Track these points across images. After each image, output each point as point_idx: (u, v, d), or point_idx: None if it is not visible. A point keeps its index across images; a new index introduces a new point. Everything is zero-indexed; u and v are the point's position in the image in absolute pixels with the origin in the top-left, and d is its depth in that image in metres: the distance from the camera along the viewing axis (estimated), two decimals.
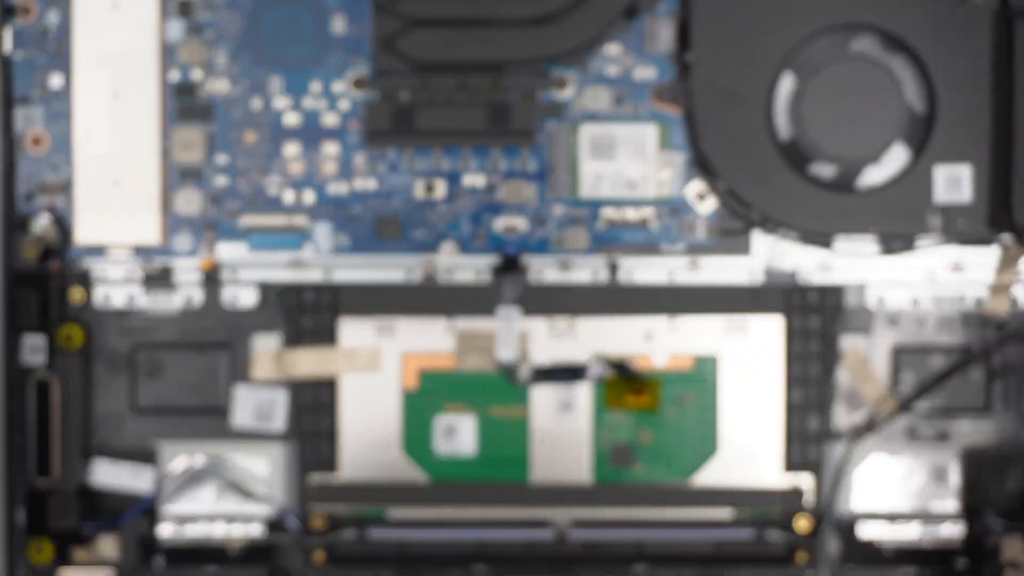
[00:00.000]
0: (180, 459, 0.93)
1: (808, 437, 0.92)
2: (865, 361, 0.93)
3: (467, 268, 0.92)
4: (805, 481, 0.92)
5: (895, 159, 0.91)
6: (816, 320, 0.92)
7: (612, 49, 0.91)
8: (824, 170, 0.91)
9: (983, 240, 0.90)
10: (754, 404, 0.93)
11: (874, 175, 0.91)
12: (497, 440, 0.93)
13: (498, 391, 0.93)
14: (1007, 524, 0.92)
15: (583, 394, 0.93)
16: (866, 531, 0.92)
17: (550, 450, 0.93)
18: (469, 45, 0.89)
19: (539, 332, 0.93)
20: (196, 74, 0.91)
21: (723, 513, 0.93)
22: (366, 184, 0.92)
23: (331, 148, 0.91)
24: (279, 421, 0.93)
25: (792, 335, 0.92)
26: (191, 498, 0.93)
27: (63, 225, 0.91)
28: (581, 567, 0.93)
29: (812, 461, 0.92)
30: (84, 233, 0.91)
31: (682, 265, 0.92)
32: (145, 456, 0.93)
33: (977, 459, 0.93)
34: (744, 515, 0.93)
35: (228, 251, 0.92)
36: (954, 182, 0.89)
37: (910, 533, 0.92)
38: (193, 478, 0.93)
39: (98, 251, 0.91)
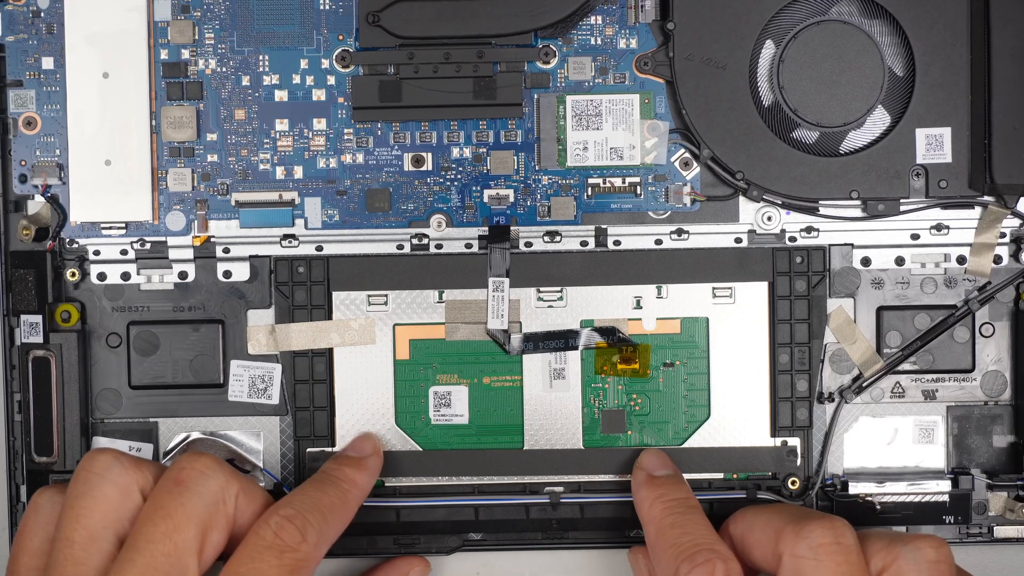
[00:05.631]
0: (178, 435, 0.94)
1: (797, 399, 0.93)
2: (851, 322, 0.94)
3: (456, 239, 0.93)
4: (795, 442, 0.94)
5: (876, 123, 0.92)
6: (802, 283, 0.93)
7: (595, 20, 0.92)
8: (807, 135, 0.92)
9: (965, 201, 0.92)
10: (744, 368, 0.94)
11: (856, 139, 0.92)
12: (490, 409, 0.94)
13: (490, 360, 0.94)
14: (993, 480, 0.94)
15: (574, 362, 0.94)
16: (855, 490, 0.93)
17: (543, 418, 0.94)
18: (454, 18, 0.90)
19: (529, 301, 0.94)
20: (185, 53, 0.92)
21: (716, 475, 0.94)
22: (355, 158, 0.93)
23: (319, 123, 0.92)
24: (274, 395, 0.94)
25: (778, 298, 0.93)
26: None
27: (57, 205, 0.92)
28: (575, 532, 0.94)
29: (802, 422, 0.94)
30: (78, 213, 0.92)
31: (669, 232, 0.93)
32: (143, 432, 0.94)
33: (963, 417, 0.95)
34: (736, 477, 0.94)
35: (220, 228, 0.93)
36: (935, 144, 0.91)
37: (898, 491, 0.93)
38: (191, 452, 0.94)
39: (92, 230, 0.92)
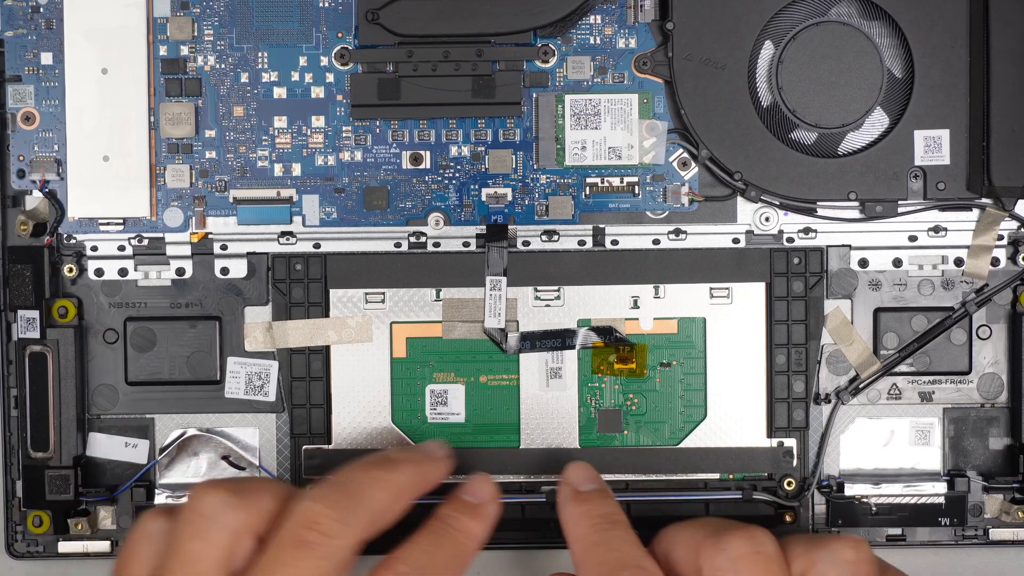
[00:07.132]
0: (174, 431, 0.94)
1: (793, 400, 0.93)
2: (848, 324, 0.94)
3: (454, 238, 0.93)
4: (792, 443, 0.94)
5: (875, 124, 0.92)
6: (799, 284, 0.93)
7: (594, 19, 0.92)
8: (805, 136, 0.92)
9: (963, 203, 0.92)
10: (740, 368, 0.94)
11: (855, 140, 0.92)
12: (486, 408, 0.94)
13: (486, 359, 0.94)
14: (989, 482, 0.94)
15: (571, 361, 0.94)
16: (851, 491, 0.93)
17: (539, 417, 0.94)
18: (453, 17, 0.90)
19: (526, 300, 0.94)
20: (184, 49, 0.92)
21: (712, 476, 0.94)
22: (353, 156, 0.93)
23: (318, 121, 0.92)
24: (271, 392, 0.94)
25: (775, 299, 0.93)
26: (186, 468, 0.94)
27: (55, 201, 0.92)
28: None
29: (798, 423, 0.93)
30: (76, 208, 0.92)
31: (666, 232, 0.93)
32: (139, 428, 0.94)
33: (959, 419, 0.95)
34: (732, 478, 0.94)
35: (218, 224, 0.93)
36: (933, 146, 0.91)
37: (894, 492, 0.93)
38: (187, 449, 0.94)
39: (90, 226, 0.92)
